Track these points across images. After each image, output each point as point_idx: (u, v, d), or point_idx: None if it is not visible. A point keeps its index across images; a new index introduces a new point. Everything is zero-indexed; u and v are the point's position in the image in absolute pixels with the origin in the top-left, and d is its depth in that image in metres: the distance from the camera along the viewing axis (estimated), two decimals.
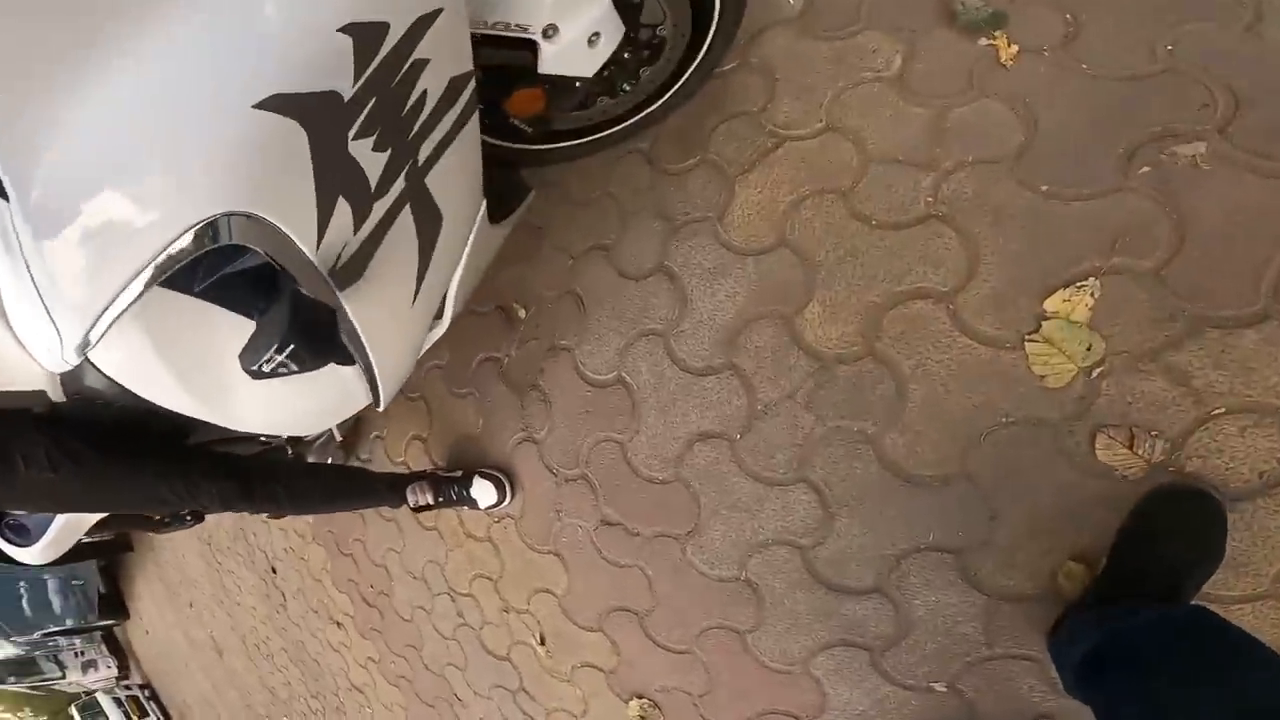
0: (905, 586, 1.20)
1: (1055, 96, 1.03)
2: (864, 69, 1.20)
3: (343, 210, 0.80)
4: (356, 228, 0.83)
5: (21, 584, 5.72)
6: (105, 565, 6.15)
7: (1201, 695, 0.72)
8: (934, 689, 1.20)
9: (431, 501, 1.81)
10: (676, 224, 1.42)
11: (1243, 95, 0.91)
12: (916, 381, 1.16)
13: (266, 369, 0.82)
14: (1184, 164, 0.94)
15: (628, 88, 1.29)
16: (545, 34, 1.06)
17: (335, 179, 0.77)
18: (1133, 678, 0.81)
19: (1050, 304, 1.04)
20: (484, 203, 1.14)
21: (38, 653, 7.27)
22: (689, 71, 1.30)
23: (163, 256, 0.68)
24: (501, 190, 1.40)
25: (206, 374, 1.04)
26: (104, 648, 7.70)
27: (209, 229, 0.71)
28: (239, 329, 0.96)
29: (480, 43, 1.04)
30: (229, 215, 0.69)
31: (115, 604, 6.46)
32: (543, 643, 1.87)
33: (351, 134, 0.76)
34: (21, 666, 7.46)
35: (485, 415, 1.85)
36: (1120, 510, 0.98)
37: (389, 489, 1.80)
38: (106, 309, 0.76)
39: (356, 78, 0.73)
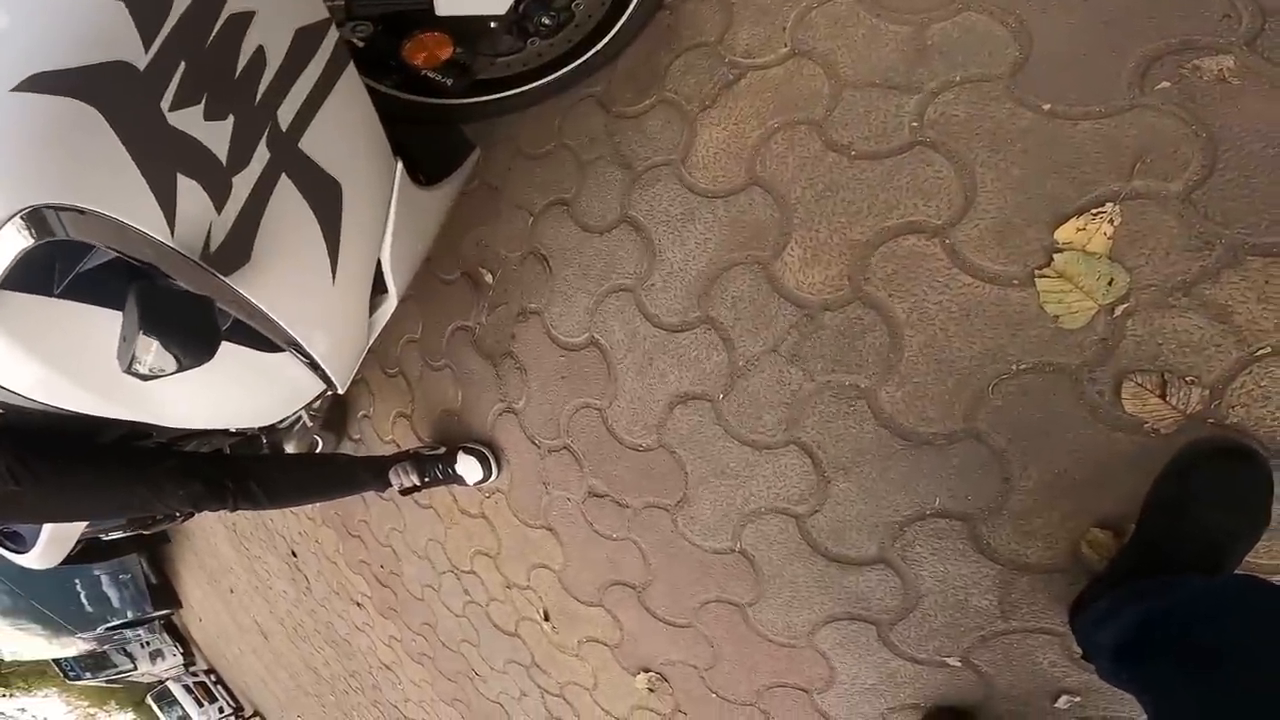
0: (911, 556, 1.09)
1: (1048, 7, 0.90)
2: None
3: (190, 189, 0.69)
4: (219, 206, 0.72)
5: (77, 581, 5.96)
6: (150, 557, 6.34)
7: (1270, 679, 0.61)
8: (947, 663, 1.10)
9: (418, 482, 1.74)
10: (637, 170, 1.28)
11: (1269, 6, 0.79)
12: (912, 327, 1.02)
13: (141, 370, 0.72)
14: (1210, 78, 0.82)
15: (550, 22, 1.13)
16: None
17: (162, 156, 0.66)
18: (1184, 665, 0.68)
19: (1062, 234, 0.90)
20: (398, 163, 1.01)
21: (107, 647, 7.64)
22: (630, 8, 1.16)
23: None
24: (439, 149, 1.27)
25: (108, 374, 0.95)
26: (167, 637, 8.05)
27: (30, 225, 0.61)
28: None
29: None
30: (36, 209, 0.58)
31: (167, 594, 6.70)
32: (547, 619, 1.82)
33: (166, 105, 0.66)
34: (95, 661, 7.90)
35: (463, 387, 1.75)
36: (1151, 470, 0.84)
37: (372, 475, 1.74)
38: None
39: (148, 43, 0.64)
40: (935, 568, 1.07)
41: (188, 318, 0.70)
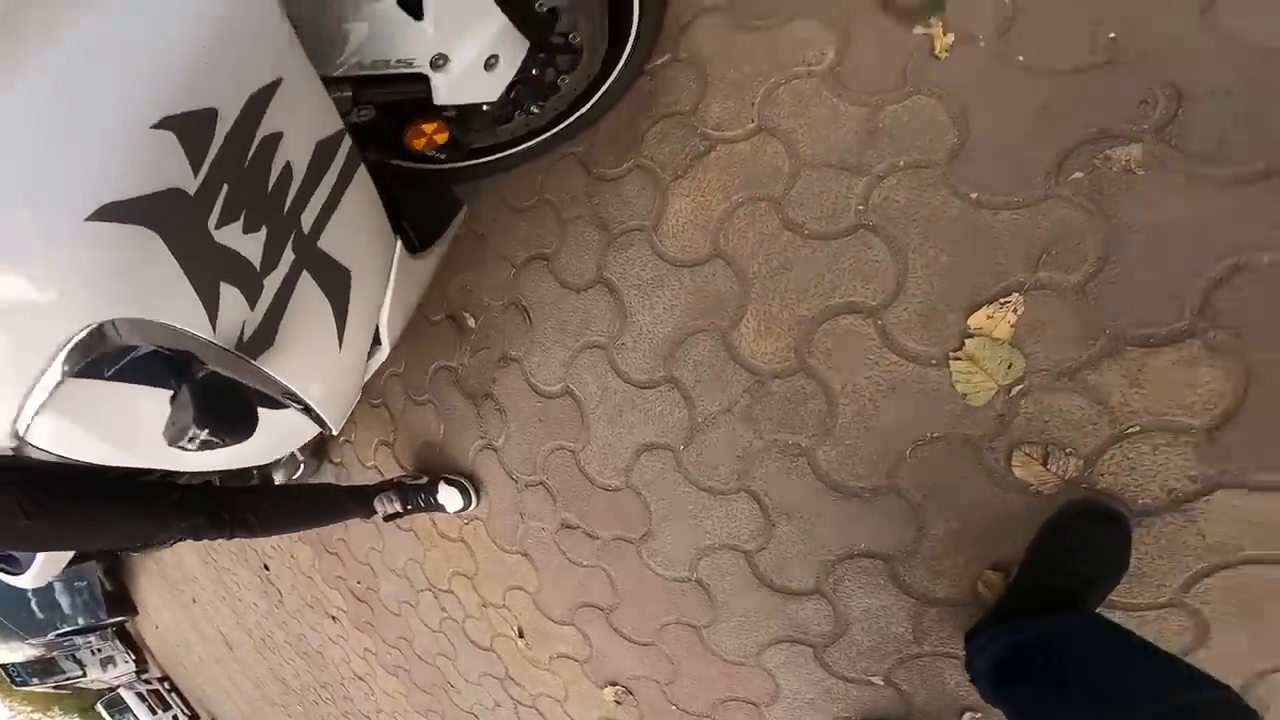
0: (841, 589, 1.25)
1: (989, 93, 0.94)
2: (796, 62, 1.09)
3: (230, 294, 0.80)
4: (253, 305, 0.83)
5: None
6: (108, 566, 6.22)
7: (1098, 696, 0.78)
8: (872, 682, 1.26)
9: (400, 510, 1.85)
10: (613, 233, 1.39)
11: (1186, 91, 0.82)
12: (847, 397, 1.16)
13: (191, 448, 0.83)
14: (1118, 169, 0.87)
15: (537, 110, 1.24)
16: (434, 65, 0.99)
17: (209, 269, 0.76)
18: (1038, 687, 0.86)
19: (975, 320, 1.02)
20: (398, 242, 1.12)
21: (55, 653, 7.40)
22: (613, 75, 1.23)
23: (44, 377, 0.69)
24: (432, 211, 1.38)
25: (141, 436, 1.04)
26: (119, 644, 7.81)
27: (94, 337, 0.72)
28: (163, 398, 0.97)
29: (363, 84, 0.99)
30: (101, 325, 0.69)
31: (123, 601, 6.49)
32: (521, 635, 1.94)
33: (213, 224, 0.75)
34: (42, 667, 7.63)
35: (445, 422, 1.86)
36: (1035, 524, 1.01)
37: (358, 503, 1.83)
38: (19, 413, 0.78)
39: (196, 169, 0.71)
40: (861, 599, 1.23)
41: (234, 409, 0.81)
